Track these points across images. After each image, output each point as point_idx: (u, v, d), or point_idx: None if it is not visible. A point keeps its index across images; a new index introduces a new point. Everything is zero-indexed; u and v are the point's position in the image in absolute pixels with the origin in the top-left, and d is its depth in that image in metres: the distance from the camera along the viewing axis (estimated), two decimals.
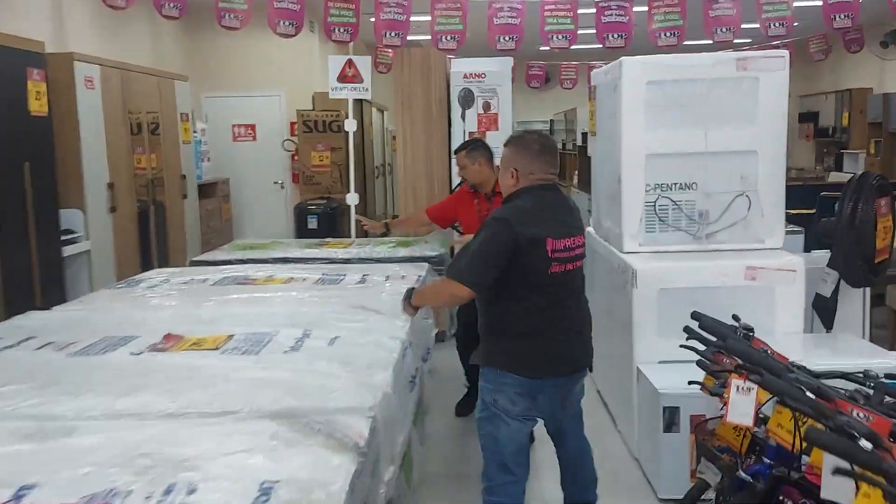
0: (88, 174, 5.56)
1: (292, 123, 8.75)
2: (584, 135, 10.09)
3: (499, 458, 2.72)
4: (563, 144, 12.33)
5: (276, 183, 8.96)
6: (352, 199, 6.72)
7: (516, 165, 2.74)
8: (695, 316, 2.52)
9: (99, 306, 3.84)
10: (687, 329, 2.53)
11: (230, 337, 3.15)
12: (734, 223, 3.78)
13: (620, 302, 3.80)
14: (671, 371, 3.46)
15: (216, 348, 3.00)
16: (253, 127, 8.92)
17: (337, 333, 3.17)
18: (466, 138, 6.10)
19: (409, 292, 3.19)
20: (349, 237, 6.86)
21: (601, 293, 4.43)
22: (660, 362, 3.59)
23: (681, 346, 2.52)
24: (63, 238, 5.27)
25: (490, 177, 4.14)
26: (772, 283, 3.57)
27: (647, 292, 3.56)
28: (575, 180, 11.03)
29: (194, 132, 7.56)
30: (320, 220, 7.91)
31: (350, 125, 6.61)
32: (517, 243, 2.57)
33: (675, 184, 3.78)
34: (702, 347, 2.44)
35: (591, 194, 8.72)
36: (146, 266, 6.57)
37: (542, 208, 2.67)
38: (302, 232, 7.91)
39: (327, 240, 6.44)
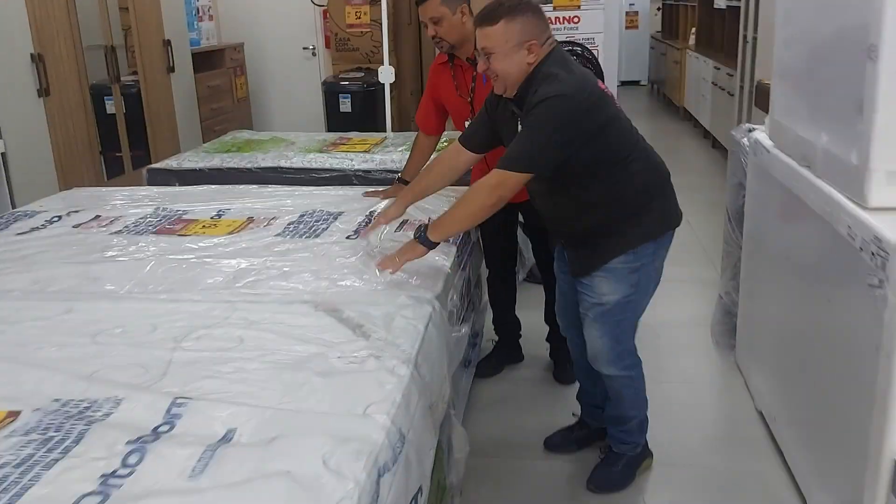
0: None
1: None
2: None
3: (627, 342, 2.31)
4: None
5: (305, 49, 7.01)
6: (386, 75, 4.80)
7: (533, 37, 2.02)
8: None
9: None
10: None
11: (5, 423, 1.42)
12: None
13: (849, 308, 1.87)
14: None
15: None
16: None
17: (247, 417, 1.40)
18: None
19: (421, 231, 2.14)
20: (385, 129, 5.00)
21: (781, 272, 2.49)
22: None
23: None
24: None
25: (472, 32, 2.44)
26: None
27: None
28: (692, 41, 8.64)
29: None
30: (355, 100, 6.00)
31: None
32: (591, 109, 1.99)
33: None
34: None
35: (733, 71, 6.46)
36: (113, 170, 4.92)
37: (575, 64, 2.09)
38: (333, 116, 6.03)
39: (349, 135, 4.58)
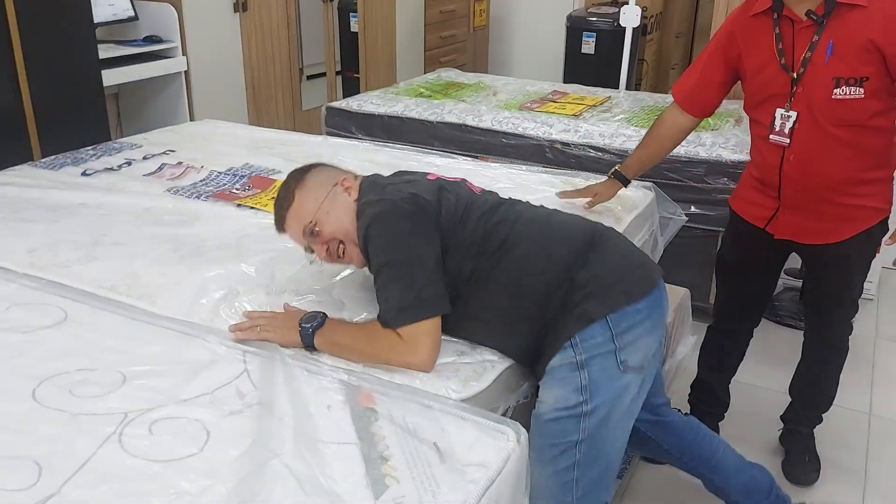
0: None
1: None
2: None
3: (580, 489, 1.39)
4: None
5: None
6: (630, 16, 3.85)
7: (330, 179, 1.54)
8: None
9: None
10: None
11: None
12: None
13: None
14: None
15: None
16: None
17: None
18: None
19: (313, 324, 1.42)
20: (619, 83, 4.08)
21: None
22: None
23: None
24: (130, 52, 3.36)
25: None
26: None
27: None
28: None
29: None
30: (600, 41, 5.06)
31: None
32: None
33: None
34: None
35: None
36: (315, 97, 4.55)
37: None
38: (572, 58, 5.18)
39: (567, 89, 3.76)
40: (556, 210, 1.60)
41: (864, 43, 1.68)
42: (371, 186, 1.51)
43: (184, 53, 3.53)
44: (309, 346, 1.39)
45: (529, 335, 1.42)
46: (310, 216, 1.46)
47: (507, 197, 1.59)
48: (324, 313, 1.42)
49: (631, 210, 2.08)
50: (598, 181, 2.11)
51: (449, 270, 1.41)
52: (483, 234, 1.43)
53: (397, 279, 1.36)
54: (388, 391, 1.28)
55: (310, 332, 1.38)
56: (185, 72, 3.57)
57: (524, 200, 1.60)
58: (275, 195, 1.98)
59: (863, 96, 1.71)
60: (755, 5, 1.82)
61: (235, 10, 3.74)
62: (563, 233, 1.49)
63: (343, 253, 1.47)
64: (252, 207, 1.98)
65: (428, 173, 1.58)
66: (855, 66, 1.70)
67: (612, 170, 2.08)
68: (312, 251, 1.49)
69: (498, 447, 1.15)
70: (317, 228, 1.46)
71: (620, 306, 1.39)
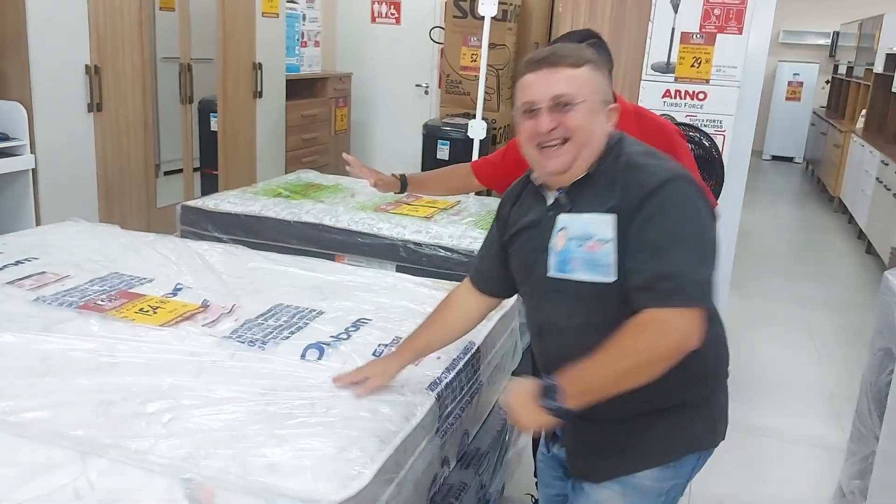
0: (40, 49, 3.47)
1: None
2: (890, 56, 6.57)
3: None
4: (850, 69, 8.63)
5: (418, 86, 6.53)
6: (477, 129, 4.16)
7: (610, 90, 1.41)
8: None
9: None
10: None
11: None
12: None
13: None
14: None
15: None
16: (398, 6, 6.47)
17: None
18: (675, 40, 3.22)
19: (550, 391, 1.24)
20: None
21: None
22: None
23: None
24: None
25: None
26: None
27: None
28: (859, 124, 7.50)
29: (291, 2, 5.27)
30: (454, 148, 5.41)
31: (488, 7, 3.96)
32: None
33: None
34: None
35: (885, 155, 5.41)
36: (172, 194, 4.55)
37: None
38: (428, 163, 5.49)
39: (420, 196, 3.98)
40: None
41: None
42: (633, 140, 1.39)
43: (32, 151, 3.48)
44: (565, 414, 1.23)
45: (669, 393, 1.34)
46: (582, 96, 1.31)
47: None
48: (551, 382, 1.25)
49: (499, 309, 2.16)
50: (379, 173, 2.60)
51: None
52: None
53: (693, 253, 1.23)
54: (231, 486, 1.32)
55: (556, 404, 1.22)
56: (33, 169, 3.50)
57: None
58: (143, 307, 2.00)
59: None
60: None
61: (90, 110, 3.74)
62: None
63: (558, 145, 1.33)
64: (121, 318, 1.96)
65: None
66: None
67: (403, 174, 2.60)
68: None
69: None
70: (573, 111, 1.31)
71: (719, 440, 1.46)
